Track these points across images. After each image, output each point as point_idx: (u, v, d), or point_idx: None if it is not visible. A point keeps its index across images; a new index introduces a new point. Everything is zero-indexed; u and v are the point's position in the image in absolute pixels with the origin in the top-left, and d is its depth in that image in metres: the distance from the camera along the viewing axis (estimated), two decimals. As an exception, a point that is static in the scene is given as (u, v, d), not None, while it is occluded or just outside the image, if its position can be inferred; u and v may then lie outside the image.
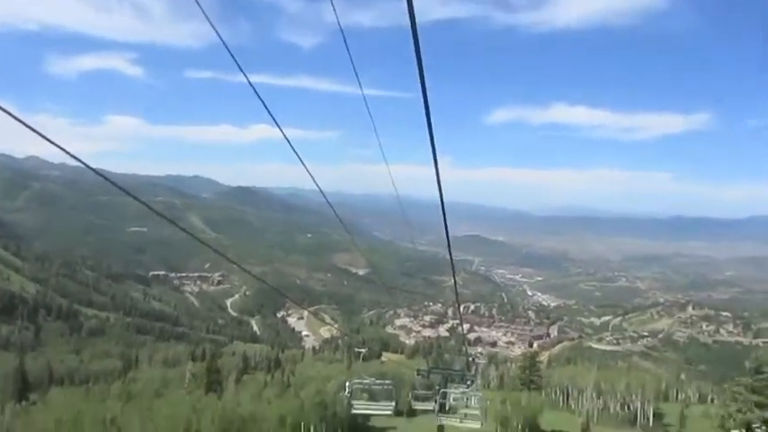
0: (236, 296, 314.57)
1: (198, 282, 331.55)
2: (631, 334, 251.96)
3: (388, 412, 29.87)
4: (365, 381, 26.99)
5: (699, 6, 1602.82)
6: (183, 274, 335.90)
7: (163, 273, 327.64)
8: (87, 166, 5.66)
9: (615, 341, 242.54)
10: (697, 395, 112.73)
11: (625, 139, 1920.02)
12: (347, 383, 27.05)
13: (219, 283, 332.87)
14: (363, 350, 46.99)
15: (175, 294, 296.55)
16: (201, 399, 58.79)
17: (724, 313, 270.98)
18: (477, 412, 26.32)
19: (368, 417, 58.60)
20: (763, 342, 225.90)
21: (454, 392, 26.74)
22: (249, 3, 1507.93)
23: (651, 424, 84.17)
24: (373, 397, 32.04)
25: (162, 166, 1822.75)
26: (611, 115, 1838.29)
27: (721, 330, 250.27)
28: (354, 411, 28.51)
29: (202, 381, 77.97)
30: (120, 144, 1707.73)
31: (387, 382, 28.42)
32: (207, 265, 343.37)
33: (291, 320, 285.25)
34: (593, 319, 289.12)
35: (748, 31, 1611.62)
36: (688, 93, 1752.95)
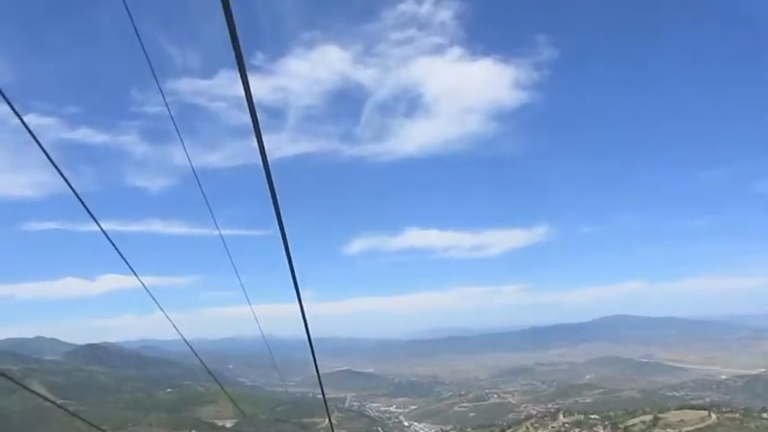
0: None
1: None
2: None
3: None
4: None
5: (524, 130, 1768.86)
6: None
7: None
8: None
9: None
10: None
11: (476, 257, 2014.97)
12: None
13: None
14: None
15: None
16: None
17: (593, 416, 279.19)
18: None
19: None
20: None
21: None
22: (92, 149, 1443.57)
23: None
24: None
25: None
26: (460, 235, 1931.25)
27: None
28: None
29: None
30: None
31: None
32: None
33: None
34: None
35: (572, 149, 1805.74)
36: (526, 208, 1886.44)
